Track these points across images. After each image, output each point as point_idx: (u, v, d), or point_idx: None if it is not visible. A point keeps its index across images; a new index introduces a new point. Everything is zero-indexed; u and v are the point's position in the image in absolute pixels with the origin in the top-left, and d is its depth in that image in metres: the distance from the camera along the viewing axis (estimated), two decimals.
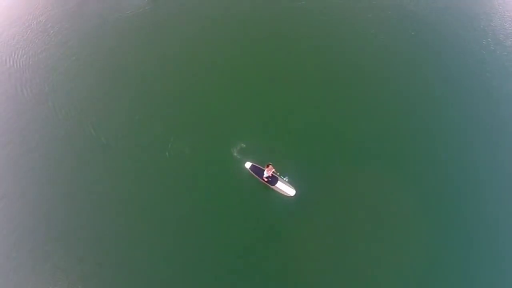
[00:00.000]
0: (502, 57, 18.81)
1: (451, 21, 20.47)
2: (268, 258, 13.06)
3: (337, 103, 16.82)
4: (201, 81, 17.92)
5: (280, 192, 14.28)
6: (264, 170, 14.22)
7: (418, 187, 14.30)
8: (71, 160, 15.79)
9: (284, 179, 14.25)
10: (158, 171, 15.20)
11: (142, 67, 18.68)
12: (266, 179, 14.42)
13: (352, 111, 16.55)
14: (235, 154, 15.24)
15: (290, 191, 14.19)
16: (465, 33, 19.90)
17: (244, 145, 15.40)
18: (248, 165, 14.89)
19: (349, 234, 13.24)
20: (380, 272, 12.52)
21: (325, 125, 16.04)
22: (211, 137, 15.84)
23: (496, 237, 13.13)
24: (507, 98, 17.21)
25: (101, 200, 14.69)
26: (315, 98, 16.97)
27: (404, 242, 13.02)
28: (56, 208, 14.72)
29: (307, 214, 13.74)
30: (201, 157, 15.36)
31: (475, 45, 19.29)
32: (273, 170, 13.98)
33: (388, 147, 15.36)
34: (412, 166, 14.89)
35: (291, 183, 14.32)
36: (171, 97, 17.49)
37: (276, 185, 14.39)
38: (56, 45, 20.16)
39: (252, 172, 14.74)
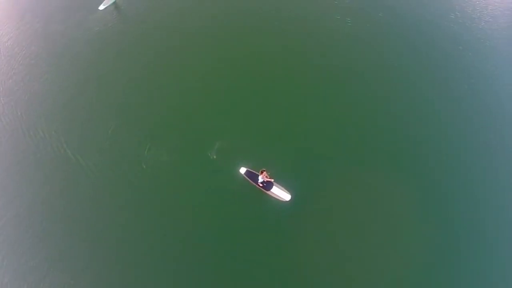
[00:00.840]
0: (472, 29, 18.58)
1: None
2: (265, 264, 13.05)
3: (327, 103, 16.71)
4: (183, 87, 17.77)
5: (276, 197, 14.26)
6: (258, 176, 14.19)
7: (415, 187, 14.28)
8: (51, 184, 15.15)
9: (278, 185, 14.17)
10: (150, 182, 15.03)
11: (114, 82, 18.25)
12: (261, 184, 14.38)
13: (345, 110, 16.45)
14: (227, 159, 15.15)
15: (285, 195, 14.17)
16: (433, 10, 19.75)
17: (237, 150, 15.30)
18: (242, 170, 14.83)
19: (346, 236, 13.30)
20: (379, 276, 12.57)
21: (318, 127, 15.96)
22: (201, 144, 15.67)
23: (496, 236, 13.22)
24: (482, 71, 17.21)
25: (86, 221, 14.24)
26: (305, 99, 16.83)
27: (403, 245, 13.09)
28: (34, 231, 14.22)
29: (304, 218, 13.71)
30: (195, 164, 15.28)
31: (443, 20, 19.15)
32: (267, 175, 13.92)
33: (383, 147, 15.31)
34: (411, 166, 14.87)
35: (286, 187, 14.30)
36: (151, 108, 17.26)
37: (272, 190, 14.36)
38: (26, 67, 19.58)
39: (247, 178, 14.70)
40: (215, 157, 15.22)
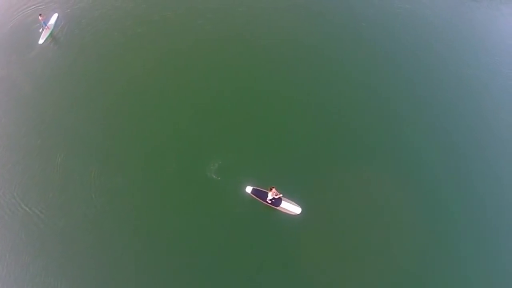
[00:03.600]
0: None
1: None
2: (280, 278, 13.00)
3: (325, 112, 16.89)
4: (175, 108, 17.09)
5: (286, 212, 14.18)
6: (267, 193, 14.02)
7: (433, 197, 14.48)
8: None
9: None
10: (152, 211, 14.34)
11: (72, 119, 16.93)
12: (270, 201, 14.22)
13: (345, 115, 16.71)
14: (229, 180, 14.76)
15: (295, 209, 14.14)
16: None
17: (238, 170, 14.97)
18: (249, 189, 14.53)
19: (359, 245, 13.53)
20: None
21: (318, 135, 16.09)
22: (200, 167, 15.10)
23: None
24: (456, 62, 18.67)
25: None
26: (302, 110, 16.95)
27: (421, 254, 13.23)
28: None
29: (317, 229, 13.78)
30: (195, 188, 14.78)
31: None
32: (277, 191, 13.78)
33: (389, 150, 15.75)
34: (427, 174, 15.07)
35: (295, 201, 14.29)
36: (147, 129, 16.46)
37: (281, 205, 14.26)
38: None
39: (254, 196, 14.42)
40: (218, 178, 14.72)
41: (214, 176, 14.81)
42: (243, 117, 16.93)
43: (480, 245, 13.47)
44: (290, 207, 14.20)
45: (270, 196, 13.91)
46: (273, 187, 13.61)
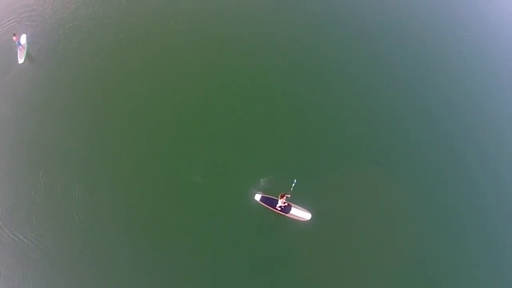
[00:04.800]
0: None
1: None
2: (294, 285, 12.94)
3: (329, 114, 16.94)
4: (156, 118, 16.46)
5: (296, 218, 14.06)
6: (276, 200, 13.84)
7: (447, 204, 14.66)
8: None
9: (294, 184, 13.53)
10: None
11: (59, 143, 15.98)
12: (279, 208, 14.05)
13: (348, 116, 16.81)
14: (236, 189, 14.49)
15: (305, 215, 14.05)
16: None
17: (243, 178, 14.72)
18: (258, 197, 14.26)
19: (371, 247, 13.63)
20: None
21: (322, 138, 16.18)
22: (207, 177, 14.69)
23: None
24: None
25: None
26: (303, 113, 16.88)
27: (435, 257, 13.37)
28: None
29: (327, 235, 13.77)
30: (196, 198, 14.44)
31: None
32: (287, 198, 13.62)
33: (394, 151, 15.91)
34: (438, 181, 15.28)
35: (305, 206, 14.21)
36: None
37: (291, 212, 14.12)
38: None
39: (263, 204, 14.17)
40: (221, 186, 14.50)
41: (212, 183, 14.50)
42: (244, 123, 16.68)
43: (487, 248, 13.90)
44: (300, 213, 14.10)
45: (280, 203, 13.74)
46: (285, 194, 13.42)
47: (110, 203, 14.19)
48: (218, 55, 18.74)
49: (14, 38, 18.42)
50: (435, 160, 15.84)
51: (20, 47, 18.69)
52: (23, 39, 19.04)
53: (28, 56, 18.73)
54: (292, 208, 14.15)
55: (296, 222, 14.02)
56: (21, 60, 18.53)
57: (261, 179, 14.55)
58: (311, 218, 14.00)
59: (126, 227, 13.76)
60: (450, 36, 20.42)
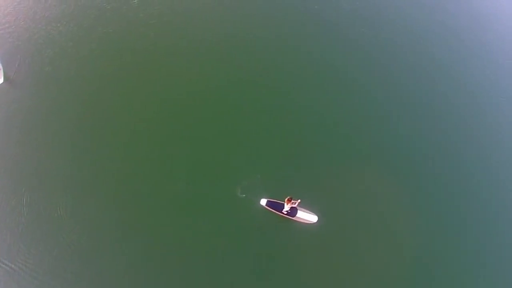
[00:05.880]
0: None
1: None
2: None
3: (332, 114, 16.72)
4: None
5: (303, 221, 13.91)
6: (282, 204, 13.61)
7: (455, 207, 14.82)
8: None
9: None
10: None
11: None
12: (285, 212, 13.82)
13: (352, 116, 16.70)
14: (242, 194, 14.07)
15: (312, 217, 13.93)
16: None
17: (249, 182, 14.28)
18: (263, 201, 13.93)
19: (378, 248, 13.74)
20: None
21: (324, 139, 15.97)
22: (210, 184, 14.28)
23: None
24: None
25: None
26: (304, 113, 16.62)
27: (446, 257, 13.56)
28: None
29: (334, 237, 13.76)
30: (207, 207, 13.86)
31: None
32: (294, 201, 13.40)
33: (400, 151, 16.00)
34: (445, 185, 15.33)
35: (311, 209, 14.09)
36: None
37: (297, 215, 13.94)
38: None
39: (269, 208, 13.88)
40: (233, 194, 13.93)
41: (216, 189, 14.07)
42: (243, 124, 16.19)
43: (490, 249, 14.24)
44: (307, 216, 13.97)
45: (286, 207, 13.50)
46: (292, 198, 13.18)
47: (98, 217, 13.25)
48: (204, 57, 17.62)
49: None
50: (438, 161, 15.98)
51: None
52: None
53: (4, 75, 17.15)
54: (299, 211, 13.98)
55: (303, 225, 13.88)
56: (1, 80, 17.09)
57: (264, 182, 14.25)
58: (317, 221, 13.91)
59: (119, 244, 12.91)
60: (449, 36, 20.41)
